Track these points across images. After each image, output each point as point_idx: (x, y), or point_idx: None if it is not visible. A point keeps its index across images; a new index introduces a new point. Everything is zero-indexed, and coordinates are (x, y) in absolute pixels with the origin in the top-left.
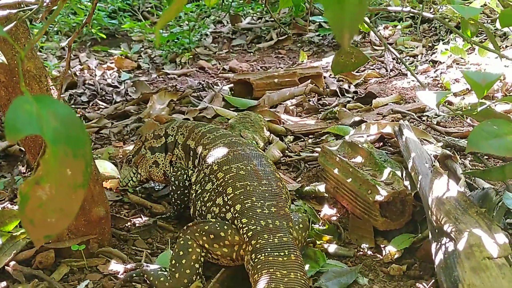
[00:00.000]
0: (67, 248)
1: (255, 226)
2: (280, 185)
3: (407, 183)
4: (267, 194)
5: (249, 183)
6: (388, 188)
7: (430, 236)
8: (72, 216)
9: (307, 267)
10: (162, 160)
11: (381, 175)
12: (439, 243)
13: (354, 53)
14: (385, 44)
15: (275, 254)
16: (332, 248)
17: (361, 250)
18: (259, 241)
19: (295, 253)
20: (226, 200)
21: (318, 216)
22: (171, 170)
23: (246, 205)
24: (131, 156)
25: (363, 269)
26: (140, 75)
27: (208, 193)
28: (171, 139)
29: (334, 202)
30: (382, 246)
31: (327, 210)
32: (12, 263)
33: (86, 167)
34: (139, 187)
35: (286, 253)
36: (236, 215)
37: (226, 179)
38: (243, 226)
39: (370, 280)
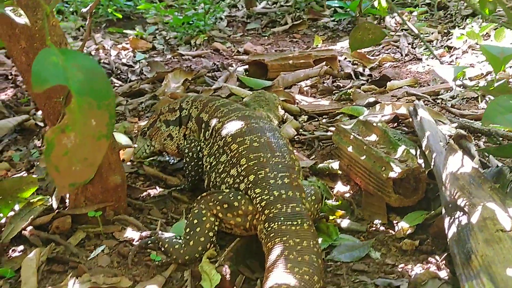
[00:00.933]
0: (83, 215)
1: (268, 196)
2: (293, 158)
3: (421, 161)
4: (280, 166)
5: (262, 155)
6: (402, 165)
7: (443, 211)
8: (96, 165)
9: (319, 240)
10: (176, 133)
11: (395, 153)
12: (452, 217)
13: (372, 29)
14: (404, 20)
15: (288, 223)
16: (344, 223)
17: (374, 226)
18: (272, 210)
19: (308, 222)
20: (240, 171)
21: (331, 192)
22: (185, 143)
23: (260, 175)
24: (146, 129)
25: (376, 243)
26: (154, 55)
27: (223, 165)
28: (185, 112)
29: (348, 179)
30: (394, 222)
31: (340, 187)
32: (29, 228)
33: (110, 118)
34: (151, 158)
35: (299, 222)
36: (250, 186)
37: (240, 150)
38: (256, 196)
39: (382, 254)
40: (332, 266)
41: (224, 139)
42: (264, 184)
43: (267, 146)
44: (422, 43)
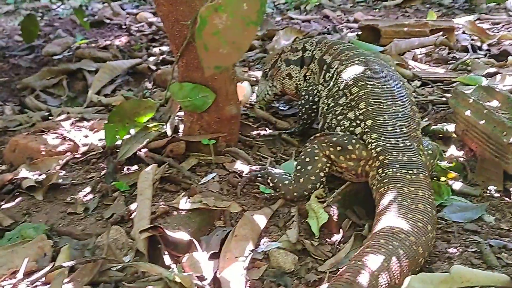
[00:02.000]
0: (196, 143)
1: (384, 143)
2: (414, 109)
3: None
4: (400, 115)
5: (383, 101)
6: None
7: None
8: (243, 50)
9: None
10: (296, 73)
11: None
12: None
13: None
14: None
15: (403, 171)
16: (457, 185)
17: (488, 191)
18: (387, 157)
19: (424, 173)
20: (358, 114)
21: (443, 155)
22: (304, 84)
23: (378, 121)
24: (267, 70)
25: (490, 208)
26: (264, 17)
27: (341, 107)
28: (308, 53)
29: (462, 145)
30: (511, 190)
31: (453, 151)
32: (144, 150)
33: (261, 5)
34: (275, 101)
35: (415, 172)
36: (366, 130)
37: (360, 94)
38: (372, 141)
39: (496, 219)
40: (442, 224)
41: (345, 81)
42: (381, 130)
43: (389, 94)
44: None
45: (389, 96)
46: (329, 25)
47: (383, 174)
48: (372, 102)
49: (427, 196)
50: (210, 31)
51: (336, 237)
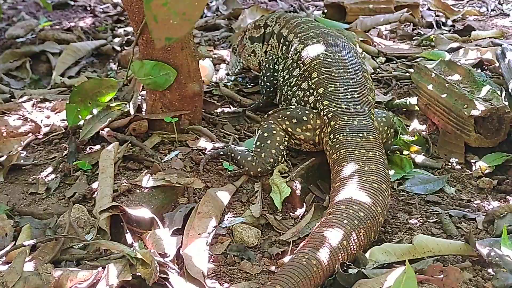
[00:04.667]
0: (159, 121)
1: (335, 108)
2: (366, 76)
3: (506, 103)
4: (351, 81)
5: (334, 70)
6: (486, 103)
7: None
8: (194, 21)
9: (392, 172)
10: (259, 50)
11: (479, 92)
12: None
13: None
14: None
15: (353, 135)
16: (419, 158)
17: (450, 164)
18: (338, 122)
19: (374, 135)
20: (311, 84)
21: (407, 129)
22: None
23: (329, 89)
24: (236, 45)
25: (451, 180)
26: None
27: (295, 78)
28: (269, 29)
29: (424, 119)
30: (472, 161)
31: (416, 125)
32: (107, 129)
33: None
34: (242, 75)
35: (365, 135)
36: (318, 98)
37: (313, 64)
38: (324, 108)
39: (457, 190)
40: (404, 196)
41: (298, 53)
42: (332, 97)
43: (341, 62)
44: None
45: (341, 65)
46: (295, 3)
47: (335, 140)
48: (324, 71)
49: (378, 156)
50: (159, 2)
51: (300, 211)
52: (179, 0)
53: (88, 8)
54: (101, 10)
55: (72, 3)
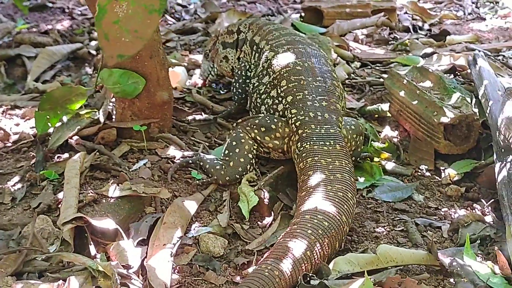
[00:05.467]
0: (128, 129)
1: (303, 117)
2: (335, 84)
3: (476, 110)
4: (320, 90)
5: (303, 78)
6: (455, 111)
7: (495, 157)
8: (146, 39)
9: (361, 179)
10: (232, 56)
11: (450, 99)
12: (504, 162)
13: None
14: None
15: (320, 143)
16: (389, 165)
17: (419, 171)
18: (305, 130)
19: (340, 143)
20: (280, 92)
21: (378, 136)
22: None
23: (298, 97)
24: (208, 51)
25: (420, 187)
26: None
27: (264, 86)
28: (242, 35)
29: (396, 125)
30: (441, 168)
31: (388, 131)
32: (75, 137)
33: None
34: (218, 81)
35: (332, 143)
36: (287, 106)
37: (282, 72)
38: (292, 116)
39: (425, 198)
40: (372, 204)
41: (269, 61)
42: (301, 105)
43: (310, 71)
44: (487, 2)
45: (310, 73)
46: (274, 7)
47: (302, 148)
48: (293, 79)
49: (344, 165)
50: (110, 20)
51: (267, 220)
52: (131, 18)
53: (66, 10)
54: (79, 12)
55: (51, 5)
